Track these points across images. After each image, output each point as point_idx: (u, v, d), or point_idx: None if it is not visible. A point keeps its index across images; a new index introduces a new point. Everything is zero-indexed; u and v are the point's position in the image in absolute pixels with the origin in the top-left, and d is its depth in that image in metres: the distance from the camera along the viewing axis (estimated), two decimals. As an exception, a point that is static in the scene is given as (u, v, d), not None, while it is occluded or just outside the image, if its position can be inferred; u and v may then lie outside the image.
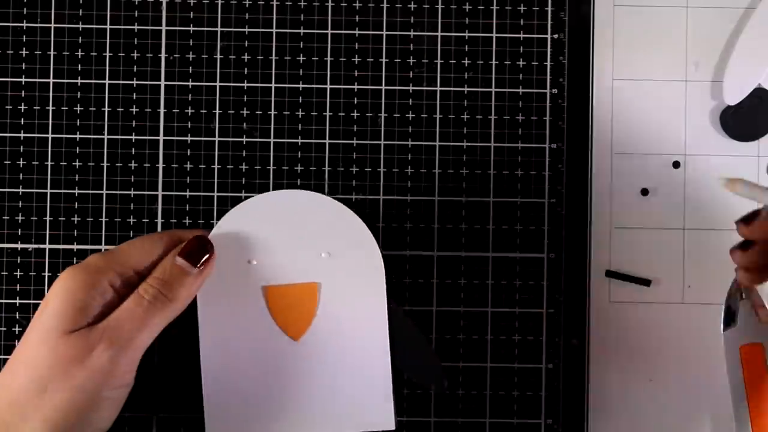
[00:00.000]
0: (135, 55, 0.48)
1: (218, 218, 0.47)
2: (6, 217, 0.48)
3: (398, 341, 0.41)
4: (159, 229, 0.48)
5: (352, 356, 0.41)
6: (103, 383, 0.38)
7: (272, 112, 0.48)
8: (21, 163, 0.48)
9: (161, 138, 0.48)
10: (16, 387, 0.38)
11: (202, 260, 0.41)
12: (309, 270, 0.41)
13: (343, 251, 0.40)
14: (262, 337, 0.41)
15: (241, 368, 0.41)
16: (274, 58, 0.48)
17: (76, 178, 0.48)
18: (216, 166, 0.48)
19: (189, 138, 0.48)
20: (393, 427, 0.41)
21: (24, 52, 0.48)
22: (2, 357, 0.47)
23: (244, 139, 0.48)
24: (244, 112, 0.48)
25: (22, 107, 0.48)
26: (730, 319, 0.47)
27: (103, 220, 0.48)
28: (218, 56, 0.48)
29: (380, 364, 0.41)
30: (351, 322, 0.41)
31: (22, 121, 0.48)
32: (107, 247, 0.48)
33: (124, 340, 0.39)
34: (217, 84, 0.48)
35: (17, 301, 0.47)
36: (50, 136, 0.48)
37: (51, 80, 0.48)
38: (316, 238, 0.41)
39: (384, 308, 0.41)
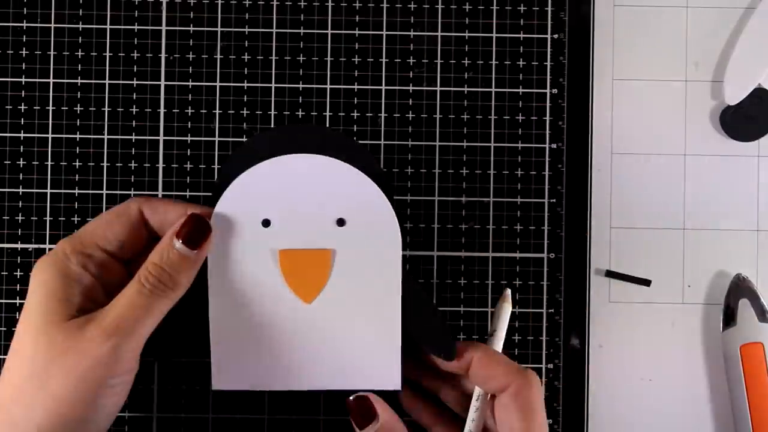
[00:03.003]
0: (135, 55, 0.48)
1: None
2: (6, 217, 0.48)
3: (410, 310, 0.41)
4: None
5: (362, 320, 0.41)
6: (107, 373, 0.38)
7: (272, 112, 0.48)
8: (21, 163, 0.48)
9: (161, 138, 0.48)
10: (18, 383, 0.38)
11: (201, 242, 0.40)
12: (324, 236, 0.40)
13: (358, 219, 0.40)
14: (272, 298, 0.41)
15: (250, 326, 0.41)
16: (274, 58, 0.48)
17: (76, 178, 0.48)
18: (216, 166, 0.48)
19: (189, 138, 0.48)
20: (399, 388, 0.41)
21: (24, 52, 0.48)
22: (2, 357, 0.47)
23: (244, 139, 0.48)
24: (244, 112, 0.48)
25: (22, 107, 0.48)
26: (730, 319, 0.47)
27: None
28: (218, 56, 0.48)
29: (390, 328, 0.41)
30: (363, 289, 0.41)
31: (22, 121, 0.48)
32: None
33: (127, 330, 0.38)
34: (217, 84, 0.48)
35: (17, 301, 0.47)
36: (50, 136, 0.48)
37: (51, 80, 0.48)
38: (333, 204, 0.40)
39: (398, 278, 0.40)
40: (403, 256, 0.47)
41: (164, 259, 0.40)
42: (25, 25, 0.48)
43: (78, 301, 0.39)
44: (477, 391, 0.42)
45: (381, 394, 0.41)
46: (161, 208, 0.41)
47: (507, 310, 0.44)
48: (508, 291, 0.45)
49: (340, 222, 0.40)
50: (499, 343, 0.43)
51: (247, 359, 0.41)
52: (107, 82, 0.48)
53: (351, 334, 0.41)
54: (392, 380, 0.41)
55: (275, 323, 0.41)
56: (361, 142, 0.48)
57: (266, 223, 0.41)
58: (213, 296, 0.41)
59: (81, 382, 0.37)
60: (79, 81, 0.48)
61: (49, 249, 0.48)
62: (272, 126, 0.48)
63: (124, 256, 0.41)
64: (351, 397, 0.41)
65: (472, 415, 0.42)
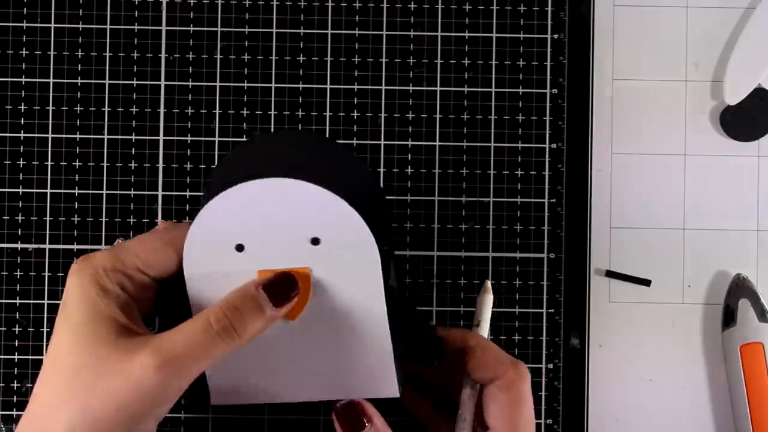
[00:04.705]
0: (135, 55, 0.48)
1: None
2: (6, 217, 0.48)
3: (395, 322, 0.41)
4: (159, 229, 0.48)
5: (350, 332, 0.40)
6: (150, 404, 0.35)
7: (272, 112, 0.48)
8: (21, 163, 0.48)
9: (161, 138, 0.48)
10: (57, 396, 0.35)
11: (285, 301, 0.38)
12: (299, 256, 0.40)
13: (332, 237, 0.40)
14: None
15: (239, 352, 0.40)
16: (274, 58, 0.48)
17: (76, 178, 0.48)
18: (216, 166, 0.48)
19: (189, 138, 0.48)
20: (398, 395, 0.41)
21: (24, 52, 0.48)
22: (2, 357, 0.47)
23: (244, 139, 0.48)
24: (244, 112, 0.48)
25: (22, 107, 0.48)
26: (729, 319, 0.47)
27: (103, 220, 0.48)
28: (218, 56, 0.48)
29: (379, 337, 0.40)
30: (346, 303, 0.40)
31: (22, 121, 0.48)
32: (107, 247, 0.47)
33: (182, 366, 0.35)
34: (217, 84, 0.48)
35: (17, 301, 0.47)
36: (50, 136, 0.48)
37: (51, 80, 0.48)
38: (304, 224, 0.40)
39: (380, 289, 0.40)
40: (403, 256, 0.47)
41: (243, 306, 0.37)
42: (25, 25, 0.48)
43: (122, 321, 0.37)
44: (467, 381, 0.42)
45: (380, 400, 0.41)
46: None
47: (489, 300, 0.44)
48: (488, 282, 0.45)
49: (315, 241, 0.40)
50: (484, 334, 0.43)
51: (241, 377, 0.41)
52: (107, 82, 0.48)
53: (341, 346, 0.41)
54: (389, 388, 0.41)
55: (264, 342, 0.40)
56: (361, 142, 0.48)
57: (240, 248, 0.40)
58: None
59: (122, 408, 0.35)
60: (79, 81, 0.48)
61: (50, 249, 0.48)
62: (272, 128, 0.48)
63: (162, 277, 0.39)
64: (338, 404, 0.41)
65: (466, 403, 0.41)
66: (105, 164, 0.48)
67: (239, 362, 0.41)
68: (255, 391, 0.41)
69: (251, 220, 0.39)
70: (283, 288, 0.38)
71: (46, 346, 0.47)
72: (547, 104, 0.48)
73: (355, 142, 0.48)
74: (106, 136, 0.48)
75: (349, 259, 0.40)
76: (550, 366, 0.48)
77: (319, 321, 0.40)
